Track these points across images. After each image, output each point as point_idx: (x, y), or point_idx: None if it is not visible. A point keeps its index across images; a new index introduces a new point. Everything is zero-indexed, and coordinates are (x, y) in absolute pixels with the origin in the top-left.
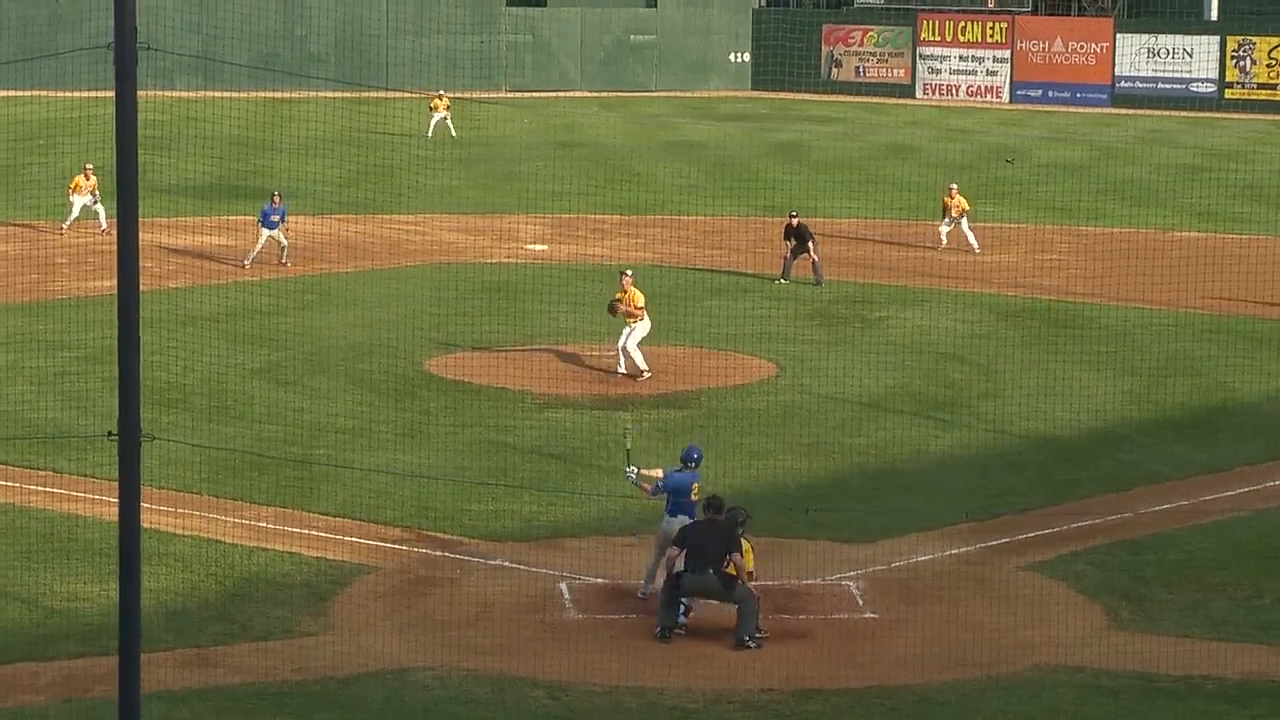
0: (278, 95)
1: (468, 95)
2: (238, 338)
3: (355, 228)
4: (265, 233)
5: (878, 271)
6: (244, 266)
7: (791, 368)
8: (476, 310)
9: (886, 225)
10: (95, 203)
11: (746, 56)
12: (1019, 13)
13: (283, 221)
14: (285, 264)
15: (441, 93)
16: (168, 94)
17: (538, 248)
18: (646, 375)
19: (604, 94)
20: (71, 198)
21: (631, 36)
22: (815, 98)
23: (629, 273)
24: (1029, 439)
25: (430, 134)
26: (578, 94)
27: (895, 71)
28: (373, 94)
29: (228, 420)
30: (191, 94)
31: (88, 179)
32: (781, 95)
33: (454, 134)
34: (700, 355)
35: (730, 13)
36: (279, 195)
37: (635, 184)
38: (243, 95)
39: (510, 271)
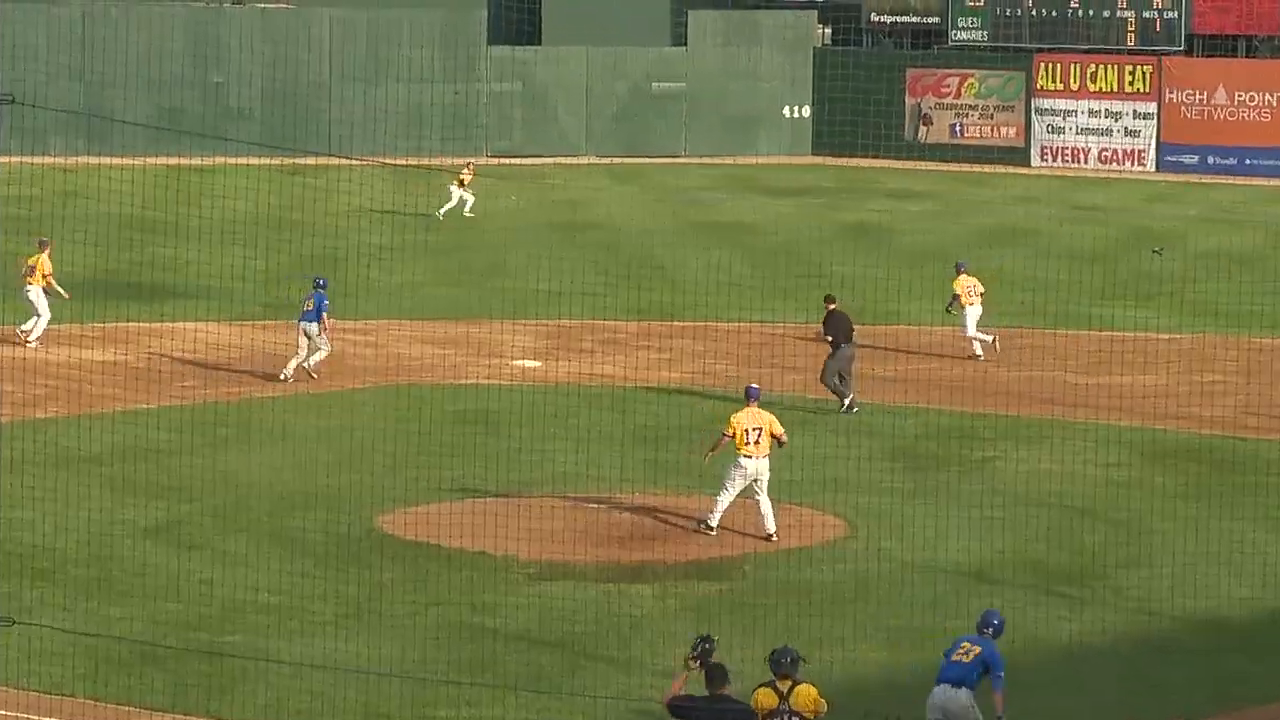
0: (186, 162)
1: (436, 163)
2: (128, 485)
3: (287, 337)
4: (309, 327)
5: (982, 396)
6: (312, 377)
7: (867, 526)
8: (447, 448)
9: (1000, 335)
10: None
11: (806, 110)
12: (1168, 53)
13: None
14: (314, 371)
15: (470, 164)
16: (38, 160)
17: (529, 364)
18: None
19: (617, 160)
20: (28, 290)
21: (653, 84)
22: (897, 165)
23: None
24: (1187, 621)
25: (444, 213)
26: (582, 160)
27: (1004, 130)
28: (312, 161)
29: (113, 597)
30: (71, 160)
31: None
32: (853, 162)
33: (439, 214)
34: (744, 509)
35: (785, 53)
36: (324, 282)
37: (658, 280)
38: (139, 162)
39: (492, 396)
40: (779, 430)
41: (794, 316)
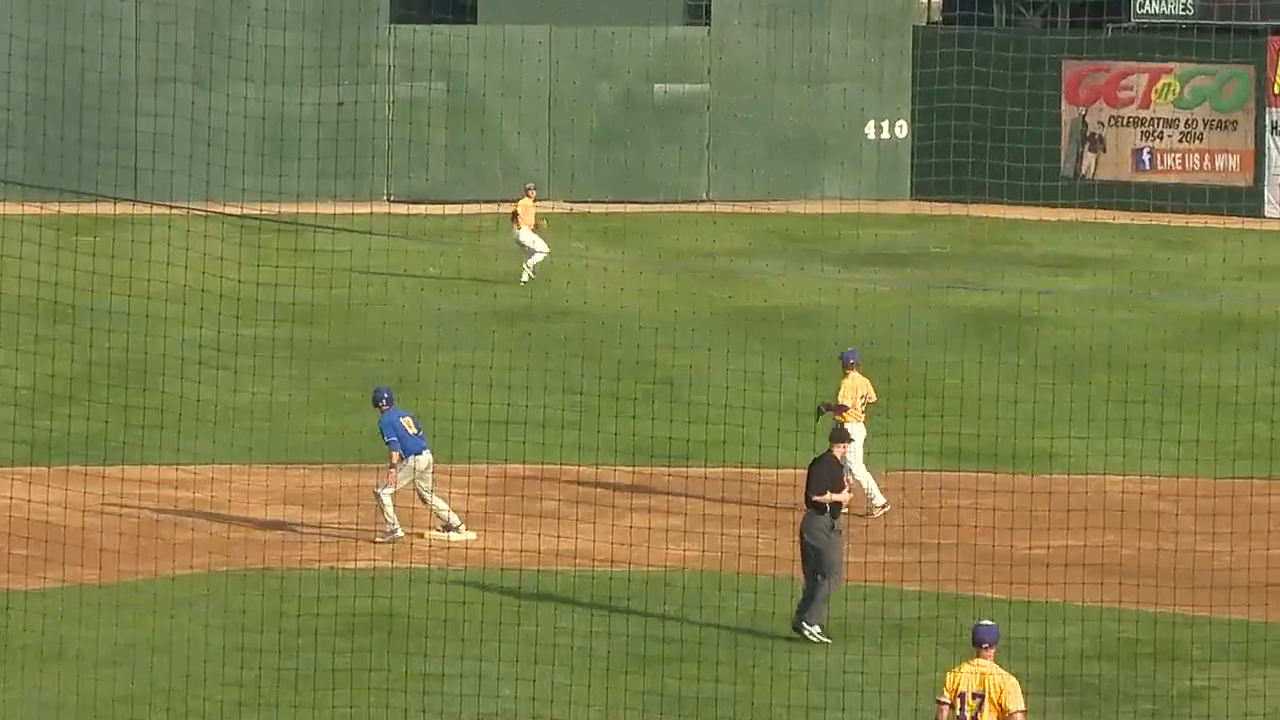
0: None
1: (306, 212)
2: None
3: (62, 493)
4: (411, 466)
5: (1187, 589)
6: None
7: None
8: (325, 673)
9: (1219, 490)
10: None
11: (903, 128)
12: None
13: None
14: (456, 529)
15: (530, 188)
16: None
17: (457, 537)
18: None
19: (599, 208)
20: None
21: (657, 87)
22: (1049, 215)
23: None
24: None
25: (527, 263)
26: (544, 207)
27: (1221, 160)
28: (106, 209)
29: None
30: None
31: None
32: (977, 211)
33: (527, 273)
34: None
35: (869, 36)
36: (389, 397)
37: (664, 400)
38: None
39: (398, 589)
40: (1010, 701)
41: (885, 458)
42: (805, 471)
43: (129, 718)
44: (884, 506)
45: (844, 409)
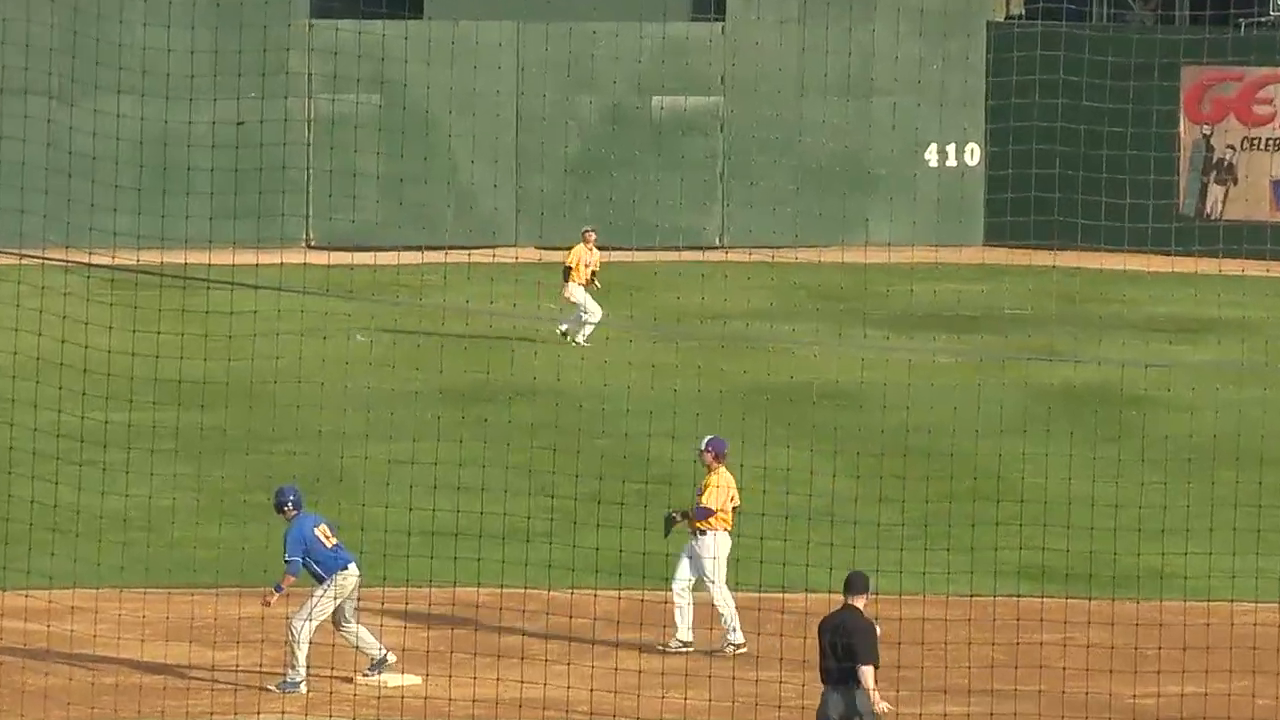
0: None
1: (201, 263)
2: None
3: None
4: (338, 587)
5: None
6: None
7: None
8: None
9: None
10: None
11: (974, 154)
12: None
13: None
14: (384, 660)
15: (588, 231)
16: None
17: (394, 680)
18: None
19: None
20: None
21: (655, 100)
22: (1163, 265)
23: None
24: None
25: (574, 325)
26: (508, 255)
27: None
28: None
29: None
30: None
31: None
32: (1068, 259)
33: (579, 340)
34: None
35: (928, 36)
36: (295, 499)
37: (663, 503)
38: None
39: None
40: None
41: (947, 579)
42: (826, 634)
43: None
44: (741, 645)
45: (709, 514)
